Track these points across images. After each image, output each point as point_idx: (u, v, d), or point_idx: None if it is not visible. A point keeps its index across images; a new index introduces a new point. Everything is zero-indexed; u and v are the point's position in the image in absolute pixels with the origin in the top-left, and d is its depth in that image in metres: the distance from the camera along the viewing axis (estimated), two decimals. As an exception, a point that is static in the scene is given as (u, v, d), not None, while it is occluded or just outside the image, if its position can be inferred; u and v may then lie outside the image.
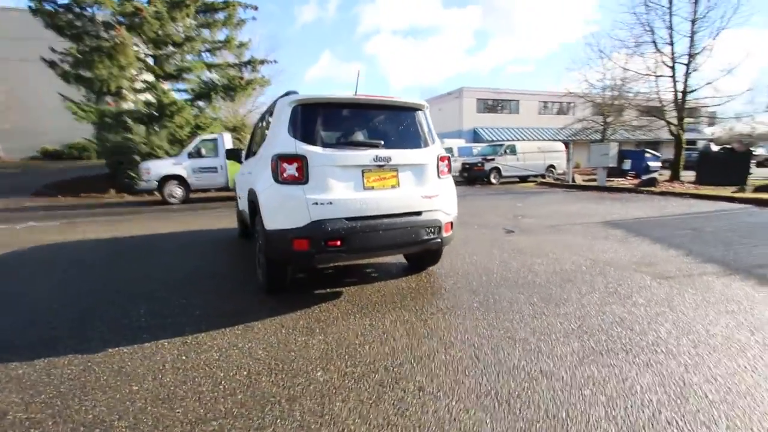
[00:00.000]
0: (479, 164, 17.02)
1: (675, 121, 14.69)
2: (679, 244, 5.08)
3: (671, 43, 14.01)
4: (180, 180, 11.31)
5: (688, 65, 13.98)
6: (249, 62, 18.70)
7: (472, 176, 17.32)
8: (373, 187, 3.04)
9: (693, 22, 13.62)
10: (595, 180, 15.66)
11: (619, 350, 2.36)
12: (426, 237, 3.22)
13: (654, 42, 14.35)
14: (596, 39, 31.25)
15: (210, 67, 17.18)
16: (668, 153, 27.72)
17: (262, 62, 18.76)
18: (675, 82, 14.30)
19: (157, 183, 11.11)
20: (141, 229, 7.07)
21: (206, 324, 2.81)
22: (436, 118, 33.26)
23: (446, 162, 3.48)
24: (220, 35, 17.82)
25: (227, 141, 11.76)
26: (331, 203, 2.88)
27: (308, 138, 2.95)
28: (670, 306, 3.04)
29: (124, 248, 5.50)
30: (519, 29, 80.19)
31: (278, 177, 2.89)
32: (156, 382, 2.09)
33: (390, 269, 4.14)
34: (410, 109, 3.41)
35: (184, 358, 2.35)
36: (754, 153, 15.79)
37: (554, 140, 21.62)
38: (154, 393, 2.00)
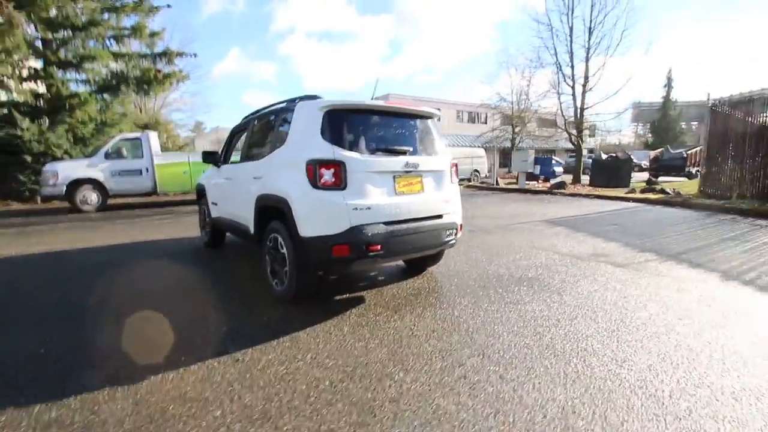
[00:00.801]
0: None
1: (575, 132, 17.11)
2: (613, 237, 6.05)
3: (572, 66, 16.34)
4: (95, 184, 9.84)
5: (584, 86, 16.41)
6: (164, 54, 17.00)
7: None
8: (403, 192, 3.15)
9: (588, 49, 16.07)
10: (514, 183, 17.50)
11: (638, 327, 2.82)
12: (446, 239, 3.43)
13: (558, 64, 16.58)
14: (508, 56, 34.64)
15: (118, 56, 15.22)
16: (561, 159, 31.94)
17: (179, 55, 17.18)
18: (575, 99, 16.69)
19: (66, 188, 9.50)
20: (71, 241, 6.05)
21: (247, 340, 2.63)
22: None
23: (455, 168, 3.73)
24: (129, 21, 15.96)
25: (153, 140, 10.55)
26: (369, 208, 2.92)
27: (342, 144, 2.95)
28: (640, 288, 3.67)
29: (75, 264, 4.68)
30: (428, 41, 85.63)
31: (317, 183, 2.84)
32: (238, 404, 1.95)
33: (392, 272, 4.24)
34: (426, 117, 3.58)
35: (248, 375, 2.20)
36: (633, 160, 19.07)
37: (476, 147, 23.54)
38: (245, 414, 1.86)
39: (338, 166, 2.85)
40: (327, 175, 2.84)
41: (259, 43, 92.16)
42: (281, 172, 3.15)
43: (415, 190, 3.24)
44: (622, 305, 3.24)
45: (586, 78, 16.38)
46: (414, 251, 3.28)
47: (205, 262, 4.83)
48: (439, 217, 3.38)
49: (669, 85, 40.17)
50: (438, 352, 2.46)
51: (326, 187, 2.84)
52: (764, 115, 10.38)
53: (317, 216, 2.86)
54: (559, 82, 17.19)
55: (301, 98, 3.36)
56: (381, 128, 3.24)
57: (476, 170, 19.83)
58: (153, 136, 10.62)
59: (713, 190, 11.02)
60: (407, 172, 3.18)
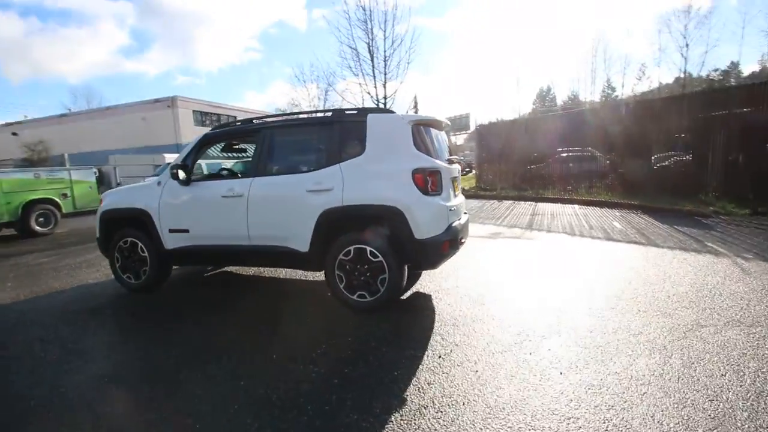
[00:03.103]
0: (240, 180, 16.67)
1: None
2: (481, 221, 8.19)
3: (375, 87, 19.24)
4: None
5: (385, 104, 19.63)
6: None
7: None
8: (456, 194, 3.78)
9: (385, 74, 19.32)
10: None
11: (567, 273, 4.47)
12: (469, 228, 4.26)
13: (365, 84, 19.19)
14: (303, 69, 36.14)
15: None
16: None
17: None
18: (379, 115, 19.73)
19: None
20: None
21: (413, 346, 2.73)
22: (141, 128, 27.80)
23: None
24: None
25: None
26: (453, 209, 3.45)
27: (429, 154, 3.34)
28: (544, 248, 5.58)
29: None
30: (185, 40, 76.34)
31: (427, 189, 3.15)
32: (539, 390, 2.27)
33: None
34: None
35: (484, 371, 2.46)
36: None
37: None
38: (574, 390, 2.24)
39: (437, 174, 3.25)
40: (431, 182, 3.19)
41: None
42: (377, 182, 3.20)
43: (458, 192, 3.91)
44: (549, 262, 4.94)
45: (385, 98, 19.64)
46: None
47: (191, 307, 3.81)
48: (466, 213, 4.17)
49: (416, 106, 52.07)
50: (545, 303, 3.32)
51: (432, 193, 3.19)
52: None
53: (431, 219, 3.17)
54: (363, 99, 19.93)
55: (360, 110, 3.46)
56: (438, 140, 3.73)
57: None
58: None
59: (485, 185, 15.69)
60: (455, 177, 3.83)
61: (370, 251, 3.23)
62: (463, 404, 2.03)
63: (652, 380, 2.17)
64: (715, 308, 3.16)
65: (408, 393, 2.15)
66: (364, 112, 3.45)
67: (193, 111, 27.81)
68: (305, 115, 3.71)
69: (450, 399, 2.08)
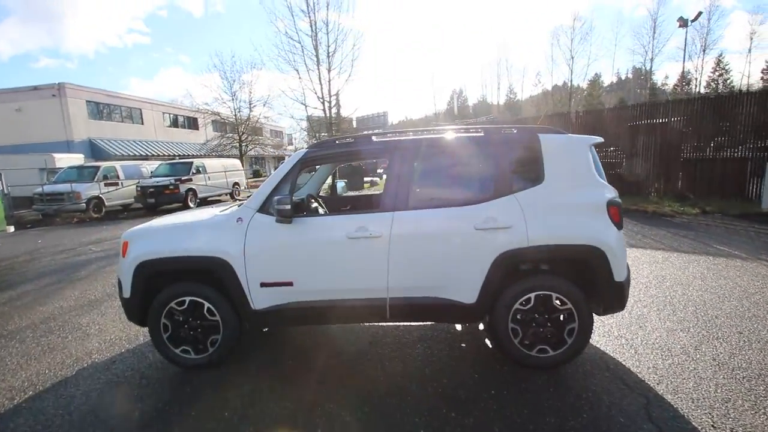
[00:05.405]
0: (172, 186, 14.26)
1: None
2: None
3: (321, 83, 18.09)
4: None
5: (330, 101, 18.64)
6: None
7: (161, 201, 14.21)
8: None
9: (329, 71, 18.27)
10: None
11: (654, 285, 4.55)
12: None
13: (310, 79, 17.91)
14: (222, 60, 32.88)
15: None
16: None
17: None
18: (325, 113, 18.67)
19: None
20: None
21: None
22: (15, 121, 22.93)
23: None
24: None
25: None
26: (623, 242, 3.09)
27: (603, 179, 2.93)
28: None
29: None
30: (52, 17, 62.41)
31: (620, 224, 2.76)
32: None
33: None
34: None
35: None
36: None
37: (229, 157, 21.47)
38: None
39: (621, 205, 2.85)
40: (620, 214, 2.79)
41: None
42: (568, 217, 2.69)
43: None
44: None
45: (330, 94, 18.64)
46: None
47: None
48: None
49: (338, 104, 51.07)
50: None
51: (621, 227, 2.80)
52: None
53: (624, 257, 2.78)
54: (304, 94, 18.62)
55: (522, 129, 2.90)
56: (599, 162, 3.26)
57: (237, 183, 18.21)
58: None
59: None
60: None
61: (558, 298, 2.73)
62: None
63: None
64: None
65: None
66: (530, 130, 2.90)
67: (87, 101, 22.81)
68: (451, 131, 2.96)
69: None
